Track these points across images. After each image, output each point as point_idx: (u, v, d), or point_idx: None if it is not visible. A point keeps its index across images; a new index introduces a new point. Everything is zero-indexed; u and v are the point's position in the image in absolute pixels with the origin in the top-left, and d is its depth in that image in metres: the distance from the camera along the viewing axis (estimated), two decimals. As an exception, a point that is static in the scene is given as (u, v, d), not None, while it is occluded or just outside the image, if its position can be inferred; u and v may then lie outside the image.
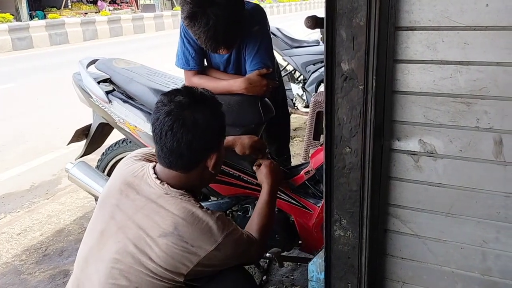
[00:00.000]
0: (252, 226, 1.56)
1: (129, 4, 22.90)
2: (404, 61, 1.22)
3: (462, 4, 1.14)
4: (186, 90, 1.35)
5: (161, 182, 1.34)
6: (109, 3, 21.81)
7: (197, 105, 1.30)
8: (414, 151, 1.29)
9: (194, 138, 1.27)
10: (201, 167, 1.36)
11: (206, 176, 1.41)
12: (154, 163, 1.44)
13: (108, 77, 2.31)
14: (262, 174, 1.78)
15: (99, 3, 20.82)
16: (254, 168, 1.88)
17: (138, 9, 22.55)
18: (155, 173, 1.37)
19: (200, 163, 1.35)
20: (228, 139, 1.74)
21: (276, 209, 2.15)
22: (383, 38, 1.19)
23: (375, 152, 1.27)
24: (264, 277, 2.43)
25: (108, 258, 1.30)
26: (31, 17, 17.29)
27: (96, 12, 19.55)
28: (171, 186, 1.34)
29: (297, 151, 4.33)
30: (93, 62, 2.42)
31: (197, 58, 2.07)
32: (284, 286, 2.37)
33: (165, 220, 1.27)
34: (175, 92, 1.34)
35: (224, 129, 1.40)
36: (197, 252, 1.26)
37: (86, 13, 19.33)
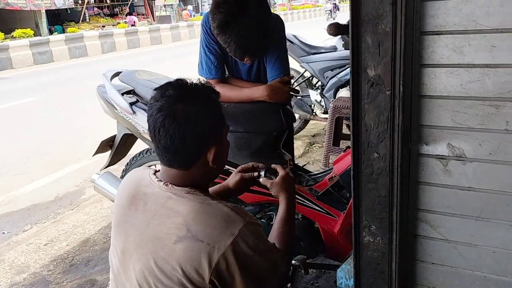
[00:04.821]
0: (273, 237, 1.44)
1: (145, 16, 23.25)
2: (431, 66, 1.22)
3: (488, 7, 1.14)
4: (177, 83, 1.26)
5: (164, 183, 1.25)
6: (126, 15, 22.18)
7: (188, 97, 1.21)
8: (443, 155, 1.28)
9: (186, 132, 1.18)
10: (201, 163, 1.24)
11: (210, 171, 1.29)
12: (154, 168, 1.39)
13: (132, 88, 2.36)
14: (278, 187, 1.54)
15: (128, 18, 21.22)
16: (262, 180, 1.57)
17: (154, 20, 22.89)
18: (157, 176, 1.29)
19: (199, 158, 1.24)
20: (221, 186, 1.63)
21: (300, 215, 2.15)
22: (408, 43, 1.19)
23: (403, 157, 1.26)
24: (289, 285, 2.43)
25: (134, 277, 1.24)
26: (51, 32, 17.68)
27: (113, 25, 19.88)
28: (176, 186, 1.24)
29: (317, 157, 4.33)
30: (117, 74, 2.47)
31: (219, 67, 2.11)
32: (310, 293, 2.37)
33: (177, 223, 1.18)
34: (166, 85, 1.24)
35: (222, 120, 1.28)
36: (215, 248, 1.14)
37: (103, 26, 19.69)
